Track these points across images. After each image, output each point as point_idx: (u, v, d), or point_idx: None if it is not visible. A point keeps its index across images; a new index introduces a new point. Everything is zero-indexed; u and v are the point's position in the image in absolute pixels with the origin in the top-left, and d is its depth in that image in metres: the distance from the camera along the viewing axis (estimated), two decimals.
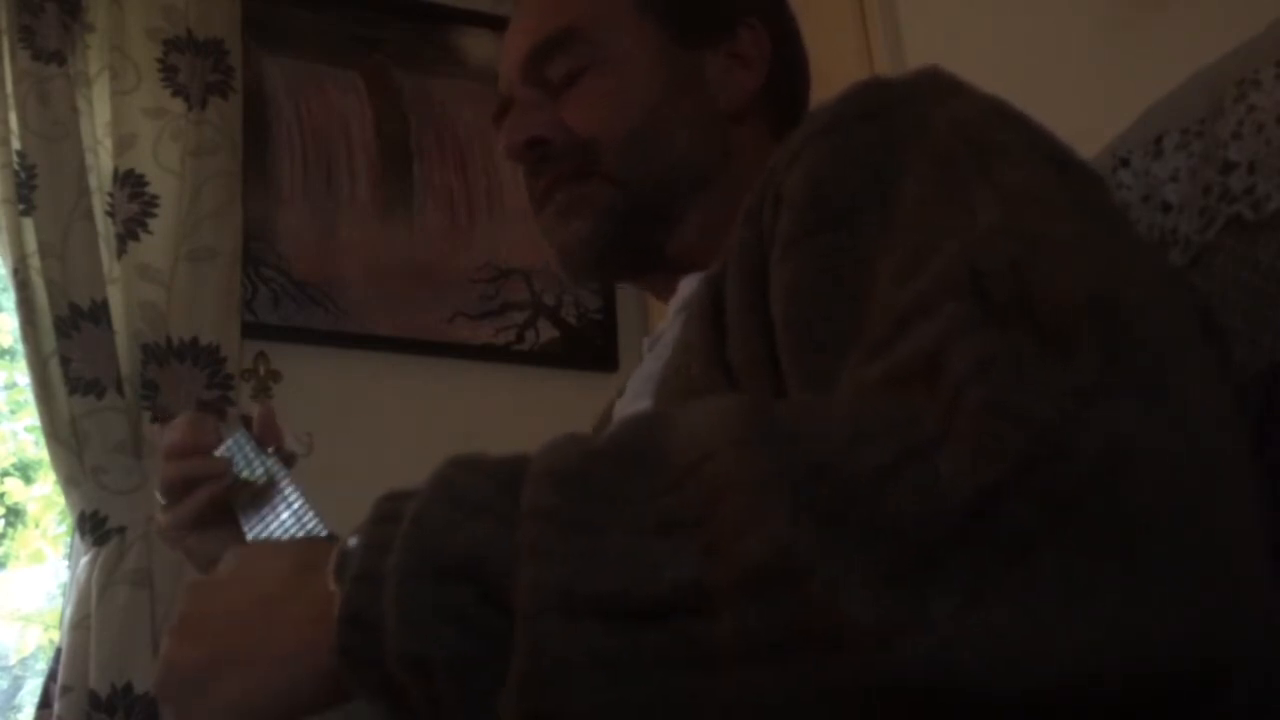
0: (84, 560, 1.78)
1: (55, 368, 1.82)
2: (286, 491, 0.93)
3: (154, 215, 1.98)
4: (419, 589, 0.42)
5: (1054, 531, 0.36)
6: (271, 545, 0.58)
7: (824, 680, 0.36)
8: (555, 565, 0.40)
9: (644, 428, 0.45)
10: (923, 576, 0.36)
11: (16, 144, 1.89)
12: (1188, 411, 0.39)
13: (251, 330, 2.03)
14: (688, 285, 0.79)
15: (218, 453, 1.07)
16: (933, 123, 0.55)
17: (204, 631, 0.53)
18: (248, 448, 1.06)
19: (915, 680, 0.35)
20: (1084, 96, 1.31)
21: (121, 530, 1.78)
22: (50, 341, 1.83)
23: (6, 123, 1.89)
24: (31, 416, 1.98)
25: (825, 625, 0.36)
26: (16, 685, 2.12)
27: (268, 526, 0.90)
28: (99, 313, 1.86)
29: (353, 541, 0.46)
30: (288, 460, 1.05)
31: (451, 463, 0.46)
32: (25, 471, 2.26)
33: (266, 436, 1.07)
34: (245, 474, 1.04)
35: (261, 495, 0.97)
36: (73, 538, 1.86)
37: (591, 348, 2.29)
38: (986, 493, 0.36)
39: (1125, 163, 0.78)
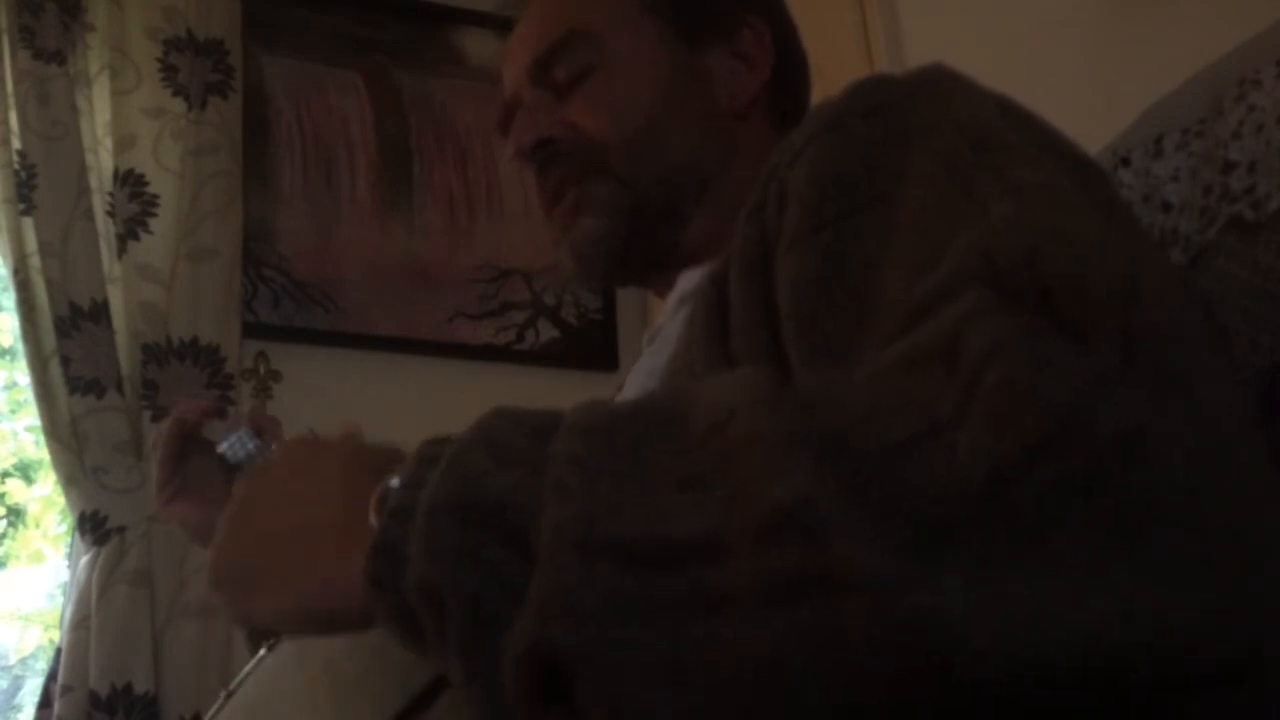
0: (84, 560, 1.78)
1: (55, 368, 1.82)
2: None
3: (154, 215, 1.98)
4: (444, 525, 0.44)
5: (1068, 512, 0.36)
6: (331, 448, 0.59)
7: (833, 626, 0.36)
8: (576, 507, 0.41)
9: (670, 392, 0.47)
10: (935, 552, 0.36)
11: (16, 144, 1.88)
12: (1202, 399, 0.39)
13: (251, 330, 2.03)
14: (687, 279, 0.79)
15: (220, 449, 1.08)
16: (937, 119, 0.55)
17: (255, 536, 0.57)
18: (250, 445, 1.07)
19: (922, 635, 0.35)
20: (1084, 96, 1.31)
21: (121, 530, 1.78)
22: (50, 341, 1.83)
23: (6, 123, 1.89)
24: (31, 416, 1.98)
25: (840, 573, 0.36)
26: (16, 685, 2.12)
27: None
28: (99, 313, 1.86)
29: (394, 481, 0.48)
30: None
31: (494, 412, 0.48)
32: (25, 471, 2.26)
33: (264, 435, 1.08)
34: (248, 470, 1.04)
35: None
36: (73, 538, 1.86)
37: (591, 348, 2.29)
38: (1002, 472, 0.37)
39: (1126, 162, 0.78)
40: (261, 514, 0.58)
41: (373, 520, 0.48)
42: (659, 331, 0.80)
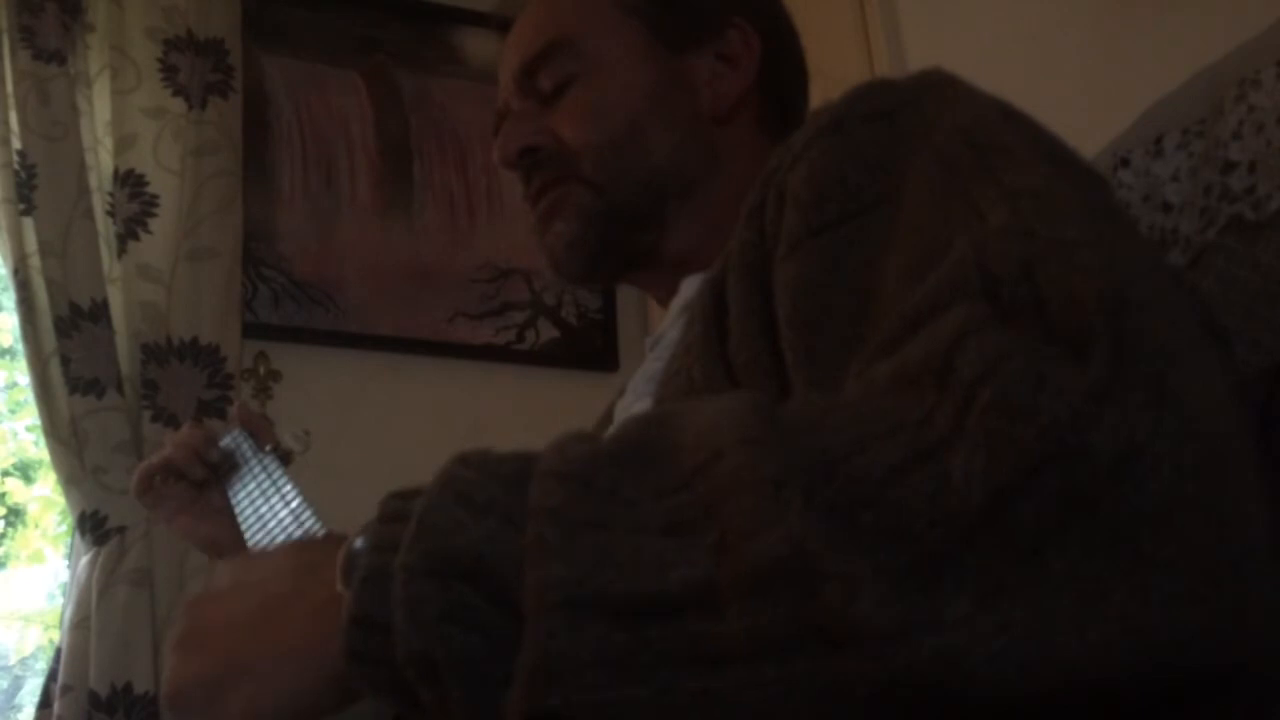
0: (84, 560, 1.78)
1: (55, 368, 1.82)
2: (284, 489, 0.93)
3: (154, 215, 1.98)
4: (426, 588, 0.41)
5: (1065, 531, 0.36)
6: (267, 551, 0.58)
7: (833, 678, 0.36)
8: (561, 564, 0.39)
9: (650, 426, 0.45)
10: (935, 578, 0.36)
11: (17, 144, 1.88)
12: (1197, 412, 0.39)
13: (251, 330, 2.03)
14: (690, 286, 0.79)
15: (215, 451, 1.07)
16: (937, 124, 0.55)
17: (210, 642, 0.52)
18: (245, 445, 1.07)
19: (925, 678, 0.35)
20: (1084, 96, 1.31)
21: (121, 530, 1.78)
22: (50, 341, 1.82)
23: (6, 123, 1.89)
24: (31, 416, 1.98)
25: (836, 623, 0.36)
26: (16, 685, 2.12)
27: (265, 524, 0.90)
28: (99, 312, 1.86)
29: (359, 543, 0.46)
30: (285, 458, 1.06)
31: (458, 460, 0.46)
32: (25, 471, 2.26)
33: (258, 435, 1.08)
34: (244, 470, 1.04)
35: (258, 493, 0.97)
36: (73, 538, 1.86)
37: (591, 348, 2.29)
38: (998, 493, 0.36)
39: (1126, 163, 0.78)
40: (208, 617, 0.53)
41: (340, 589, 0.46)
42: (661, 337, 0.81)
